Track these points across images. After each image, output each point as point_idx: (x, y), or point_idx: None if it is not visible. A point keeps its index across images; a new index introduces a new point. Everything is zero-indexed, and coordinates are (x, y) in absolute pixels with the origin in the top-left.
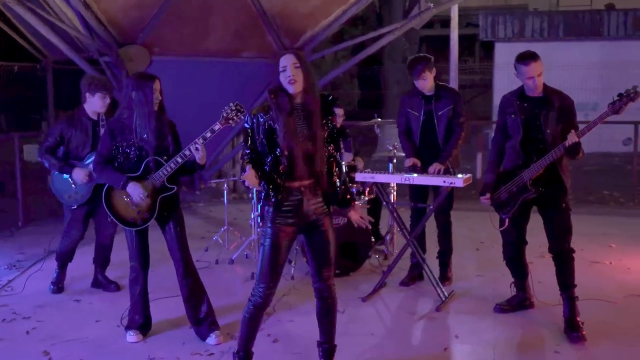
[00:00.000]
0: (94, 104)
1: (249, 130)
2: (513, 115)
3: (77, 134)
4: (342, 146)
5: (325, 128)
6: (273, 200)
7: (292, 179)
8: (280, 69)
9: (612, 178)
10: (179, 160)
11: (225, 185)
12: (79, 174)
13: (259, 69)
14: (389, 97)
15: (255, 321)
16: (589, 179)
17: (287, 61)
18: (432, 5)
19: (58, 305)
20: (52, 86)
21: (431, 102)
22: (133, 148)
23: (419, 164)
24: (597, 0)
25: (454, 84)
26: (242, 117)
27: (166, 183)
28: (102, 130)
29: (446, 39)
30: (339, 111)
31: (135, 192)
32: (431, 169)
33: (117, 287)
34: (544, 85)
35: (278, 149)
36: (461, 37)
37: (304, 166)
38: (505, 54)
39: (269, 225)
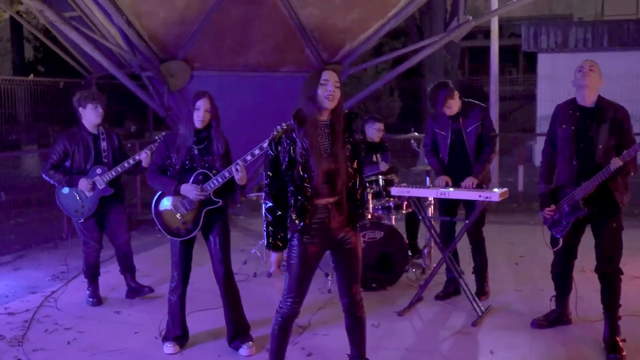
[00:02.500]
0: (89, 116)
1: (273, 158)
2: (564, 126)
3: (80, 149)
4: (380, 159)
5: (348, 146)
6: (301, 225)
7: (318, 197)
8: (322, 82)
9: None
10: (227, 175)
11: None
12: (84, 184)
13: (298, 83)
14: (429, 110)
15: (285, 332)
16: None
17: (331, 77)
18: (470, 17)
19: (98, 317)
20: None
21: (458, 120)
22: (181, 161)
23: (450, 182)
24: None
25: (494, 96)
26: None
27: (212, 196)
28: (103, 143)
29: (488, 50)
30: (379, 125)
31: (190, 190)
32: (464, 183)
33: (150, 290)
34: (599, 96)
35: (302, 168)
36: (504, 48)
37: (328, 183)
38: (548, 65)
39: (295, 242)
